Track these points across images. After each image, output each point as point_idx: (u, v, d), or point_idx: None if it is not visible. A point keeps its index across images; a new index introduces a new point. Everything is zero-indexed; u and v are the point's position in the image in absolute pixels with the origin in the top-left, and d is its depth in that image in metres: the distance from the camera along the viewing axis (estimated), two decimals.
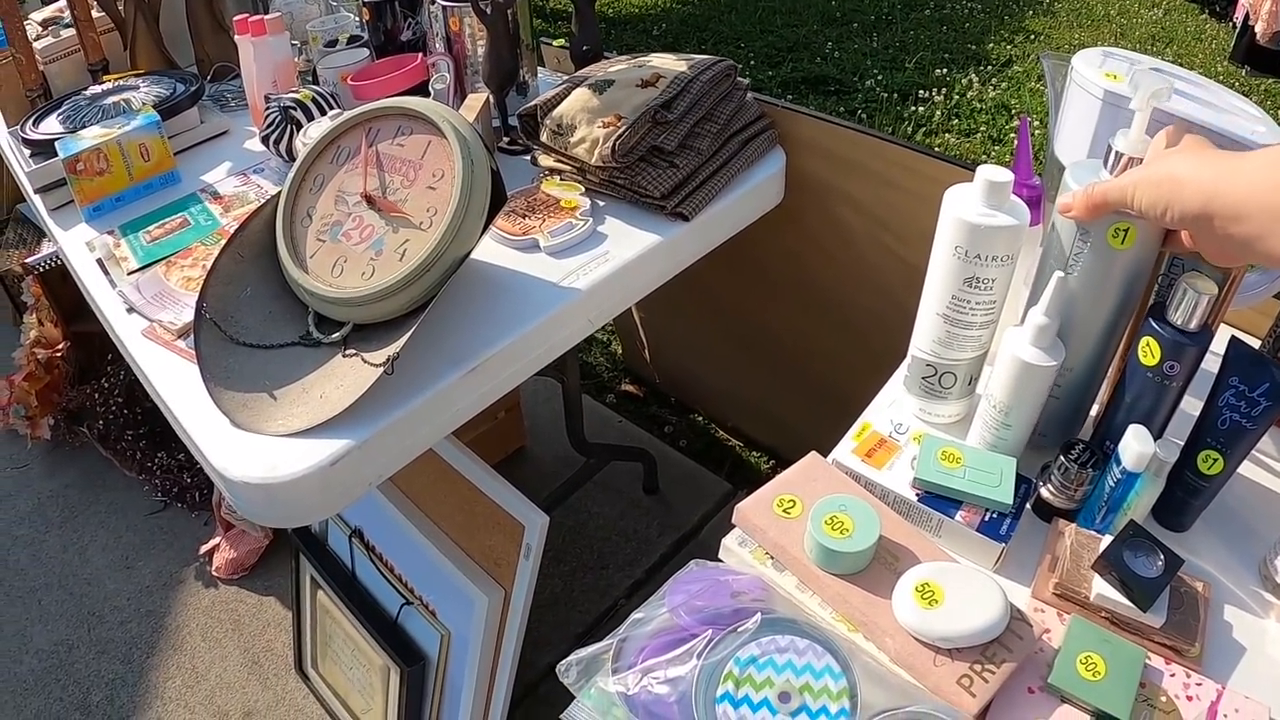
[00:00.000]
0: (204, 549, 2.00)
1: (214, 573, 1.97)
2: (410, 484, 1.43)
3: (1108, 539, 0.79)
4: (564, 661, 0.69)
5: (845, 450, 0.90)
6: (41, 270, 2.21)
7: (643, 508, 2.04)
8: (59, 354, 2.30)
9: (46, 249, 2.28)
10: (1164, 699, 0.73)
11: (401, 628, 1.43)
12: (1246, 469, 0.95)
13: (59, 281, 2.21)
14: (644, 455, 2.02)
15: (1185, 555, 0.77)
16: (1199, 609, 0.78)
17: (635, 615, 0.72)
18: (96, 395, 2.27)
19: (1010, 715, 0.72)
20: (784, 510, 0.81)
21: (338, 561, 1.55)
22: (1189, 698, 0.73)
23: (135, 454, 2.21)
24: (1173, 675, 0.75)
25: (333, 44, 1.54)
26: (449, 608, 1.37)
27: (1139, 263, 0.79)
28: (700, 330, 2.01)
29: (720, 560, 0.81)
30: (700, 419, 2.26)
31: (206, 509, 2.12)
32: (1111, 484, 0.81)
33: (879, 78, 3.91)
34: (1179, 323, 0.77)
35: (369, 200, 1.01)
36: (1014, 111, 3.62)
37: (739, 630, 0.68)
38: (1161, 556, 0.77)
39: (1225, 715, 0.72)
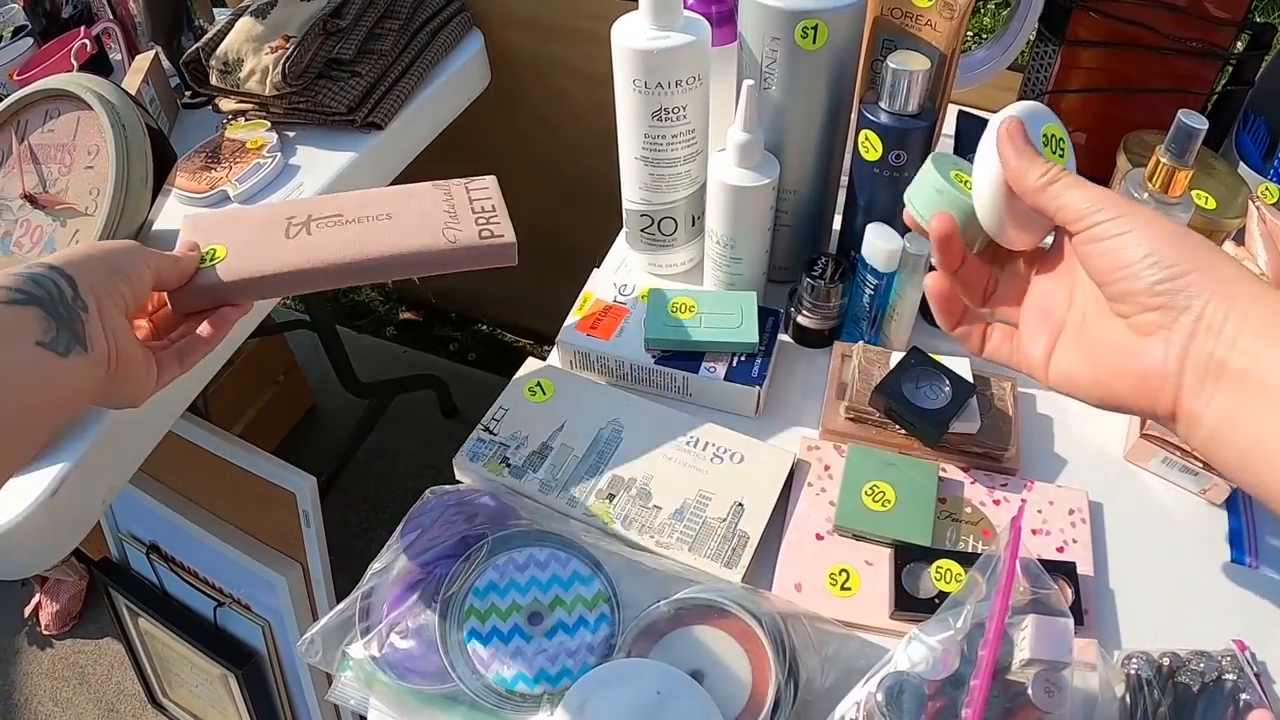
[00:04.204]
0: (27, 611, 1.85)
1: (44, 631, 1.82)
2: (180, 481, 1.30)
3: (898, 355, 0.74)
4: (301, 639, 0.60)
5: (569, 328, 0.82)
6: None
7: (445, 433, 1.96)
8: None
9: None
10: (968, 510, 0.68)
11: (224, 630, 1.34)
12: None
13: None
14: (432, 380, 1.94)
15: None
16: (1008, 409, 0.73)
17: (374, 565, 0.64)
18: None
19: (800, 567, 0.66)
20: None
21: (146, 583, 1.43)
22: (995, 502, 0.69)
23: None
24: (973, 483, 0.70)
25: None
26: (260, 597, 1.28)
27: (839, 60, 0.73)
28: None
29: (459, 481, 0.74)
30: (485, 327, 2.18)
31: None
32: (869, 292, 0.76)
33: None
34: (896, 108, 0.72)
35: (31, 200, 0.91)
36: None
37: (470, 560, 0.61)
38: (947, 382, 0.71)
39: (1040, 510, 0.68)
